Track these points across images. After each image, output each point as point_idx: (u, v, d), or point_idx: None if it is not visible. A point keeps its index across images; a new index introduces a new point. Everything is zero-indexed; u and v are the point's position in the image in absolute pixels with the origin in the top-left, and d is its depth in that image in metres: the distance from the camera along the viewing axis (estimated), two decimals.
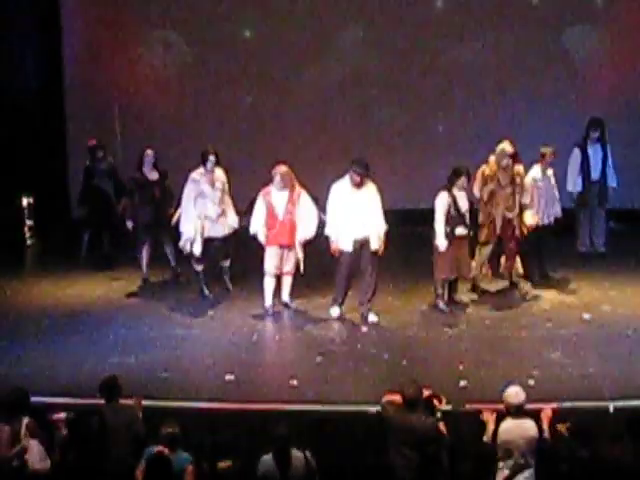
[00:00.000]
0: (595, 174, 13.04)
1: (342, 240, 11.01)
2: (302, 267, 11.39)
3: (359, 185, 10.89)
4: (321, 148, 14.51)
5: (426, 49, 14.66)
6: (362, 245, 11.02)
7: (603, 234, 13.34)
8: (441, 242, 11.18)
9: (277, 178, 11.21)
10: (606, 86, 14.37)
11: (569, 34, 14.54)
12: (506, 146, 11.59)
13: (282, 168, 11.25)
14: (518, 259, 11.89)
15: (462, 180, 11.21)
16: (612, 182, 13.14)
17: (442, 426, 8.04)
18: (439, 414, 8.15)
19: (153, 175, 12.45)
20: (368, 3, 14.70)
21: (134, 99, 14.56)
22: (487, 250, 11.76)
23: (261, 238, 11.34)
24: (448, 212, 11.16)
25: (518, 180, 11.68)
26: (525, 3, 14.69)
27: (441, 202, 11.20)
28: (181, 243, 11.77)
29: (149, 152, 12.40)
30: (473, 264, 11.72)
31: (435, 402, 8.18)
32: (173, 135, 14.34)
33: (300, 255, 11.34)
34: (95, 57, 14.73)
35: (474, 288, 11.90)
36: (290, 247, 11.34)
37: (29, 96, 14.65)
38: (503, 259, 11.89)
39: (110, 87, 14.44)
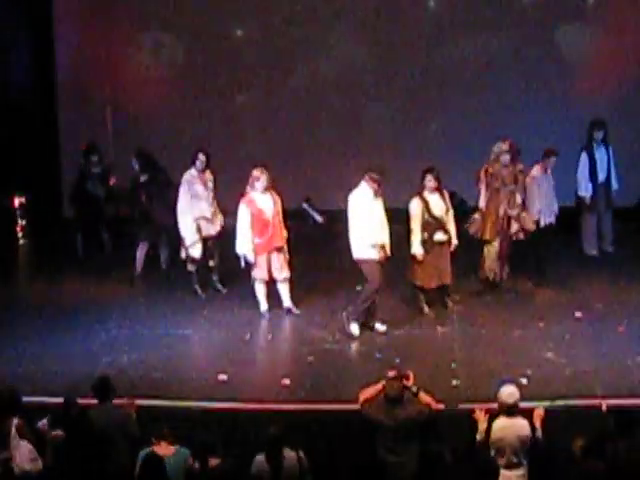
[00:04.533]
0: (602, 176, 12.96)
1: (370, 249, 10.65)
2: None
3: (378, 192, 10.66)
4: (312, 147, 14.48)
5: (419, 48, 14.60)
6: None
7: (611, 233, 13.25)
8: (417, 251, 10.92)
9: (262, 181, 11.06)
10: (598, 85, 14.35)
11: (562, 33, 14.53)
12: (502, 144, 11.60)
13: (263, 170, 11.13)
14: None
15: (429, 181, 10.93)
16: (615, 184, 13.06)
17: (424, 396, 8.33)
18: (414, 388, 8.36)
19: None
20: (360, 2, 14.67)
21: (126, 99, 14.51)
22: (494, 248, 11.68)
23: (250, 258, 11.13)
24: (423, 218, 10.92)
25: (520, 178, 11.62)
26: (518, 2, 14.70)
27: (413, 209, 10.93)
28: (185, 250, 11.72)
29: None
30: (487, 263, 11.68)
31: (405, 382, 8.32)
32: (165, 135, 14.30)
33: (287, 255, 11.31)
34: (87, 57, 14.69)
35: (490, 286, 11.78)
36: (279, 249, 11.27)
37: (21, 96, 14.59)
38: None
39: (102, 87, 14.39)
